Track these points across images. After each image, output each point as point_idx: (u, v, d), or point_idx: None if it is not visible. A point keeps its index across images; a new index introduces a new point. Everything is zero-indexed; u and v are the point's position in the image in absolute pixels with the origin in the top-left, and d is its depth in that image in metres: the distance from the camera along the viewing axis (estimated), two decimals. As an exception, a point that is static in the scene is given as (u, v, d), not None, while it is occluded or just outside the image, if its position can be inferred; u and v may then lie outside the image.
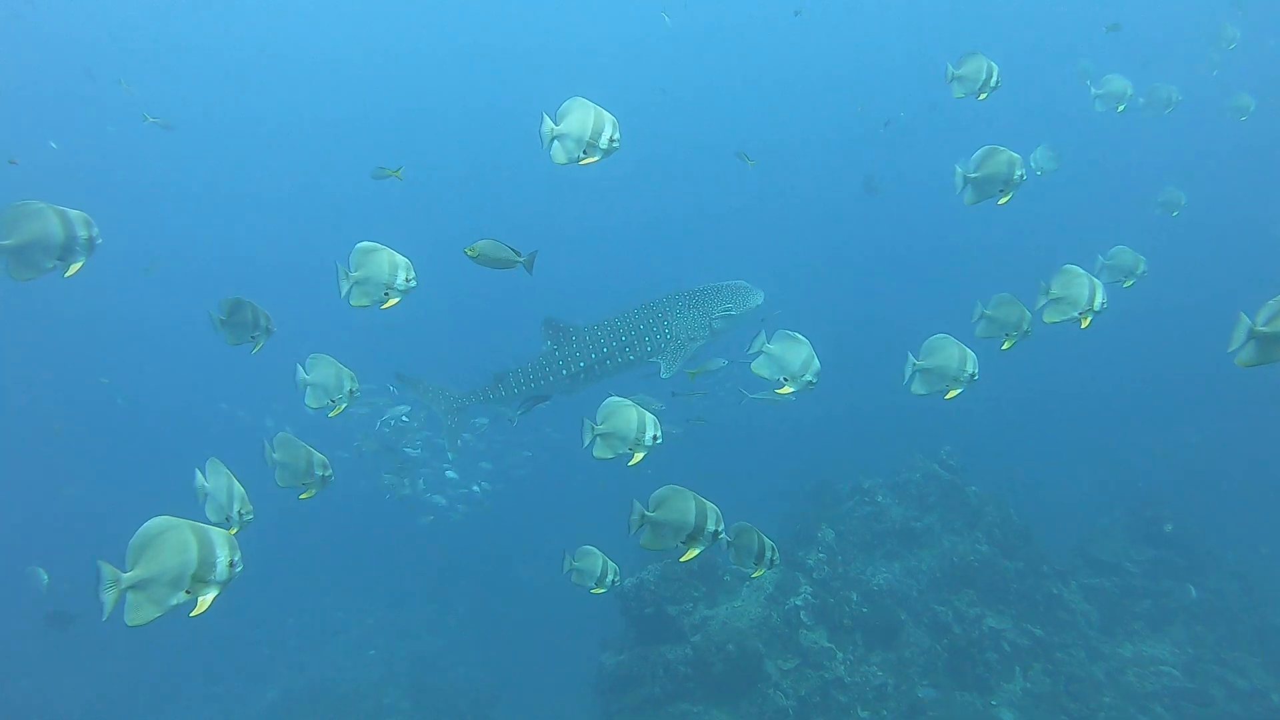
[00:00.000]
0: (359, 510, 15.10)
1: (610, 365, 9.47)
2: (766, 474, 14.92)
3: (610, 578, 6.38)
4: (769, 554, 5.40)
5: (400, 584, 16.81)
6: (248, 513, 4.67)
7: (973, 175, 6.05)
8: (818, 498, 12.83)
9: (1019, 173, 6.04)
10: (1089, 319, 5.97)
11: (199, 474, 4.89)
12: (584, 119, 5.31)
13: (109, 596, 3.42)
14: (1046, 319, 6.09)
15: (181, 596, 3.60)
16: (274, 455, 5.51)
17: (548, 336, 9.62)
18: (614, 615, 10.83)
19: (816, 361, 5.58)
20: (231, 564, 3.70)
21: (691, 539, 4.86)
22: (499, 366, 9.77)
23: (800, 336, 5.62)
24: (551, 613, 13.98)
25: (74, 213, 4.62)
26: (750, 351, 5.66)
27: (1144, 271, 7.57)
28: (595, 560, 6.39)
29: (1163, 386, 21.35)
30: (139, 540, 3.54)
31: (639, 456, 5.48)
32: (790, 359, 5.62)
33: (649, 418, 5.43)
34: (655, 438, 5.44)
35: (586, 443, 5.45)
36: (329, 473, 5.58)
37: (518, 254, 5.76)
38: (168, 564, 3.56)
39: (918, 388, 5.90)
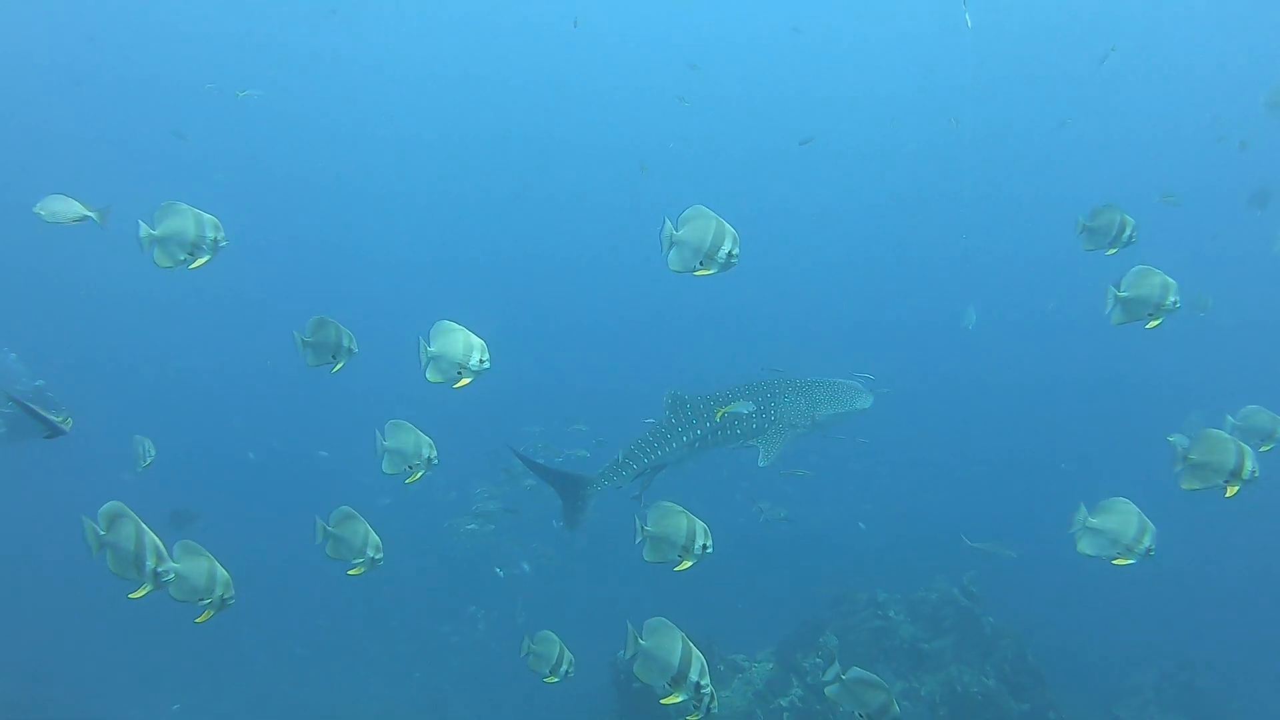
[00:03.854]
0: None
1: (721, 435, 9.51)
2: (784, 572, 14.84)
3: (564, 668, 6.46)
4: (708, 700, 5.21)
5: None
6: (229, 597, 4.58)
7: (1123, 295, 5.99)
8: (836, 605, 12.72)
9: (1172, 299, 5.89)
10: (1236, 488, 5.40)
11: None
12: (704, 229, 5.27)
13: (94, 544, 4.33)
14: (1184, 486, 5.56)
15: (134, 574, 4.32)
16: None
17: (668, 409, 9.63)
18: (607, 684, 10.98)
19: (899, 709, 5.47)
20: (156, 572, 4.26)
21: (675, 683, 4.85)
22: (620, 448, 9.56)
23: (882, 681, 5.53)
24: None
25: (207, 216, 5.37)
26: (825, 679, 5.61)
27: None
28: (553, 647, 6.47)
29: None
30: (103, 515, 4.33)
31: (686, 564, 5.54)
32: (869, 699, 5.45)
33: (699, 526, 5.50)
34: (705, 547, 5.50)
35: (637, 542, 5.58)
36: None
37: (88, 209, 5.97)
38: (120, 544, 4.31)
39: (1085, 547, 5.61)
